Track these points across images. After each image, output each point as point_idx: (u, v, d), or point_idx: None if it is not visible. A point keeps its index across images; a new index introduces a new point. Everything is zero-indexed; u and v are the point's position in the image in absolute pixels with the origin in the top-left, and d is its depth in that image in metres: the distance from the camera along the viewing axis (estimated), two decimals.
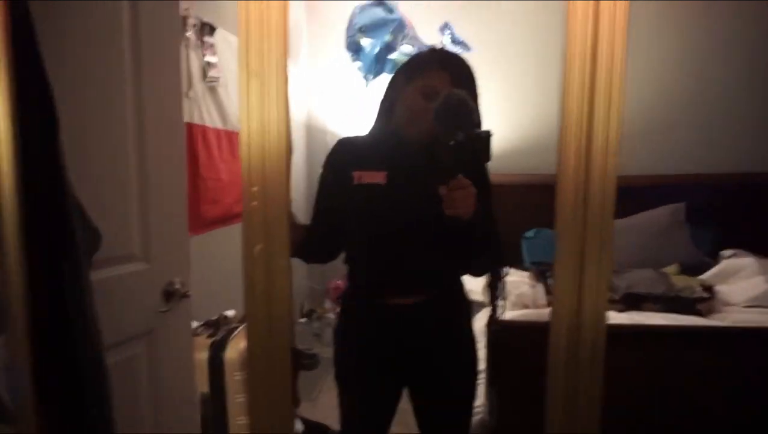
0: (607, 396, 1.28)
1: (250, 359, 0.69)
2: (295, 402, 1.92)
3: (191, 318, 1.19)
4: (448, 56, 1.07)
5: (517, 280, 2.07)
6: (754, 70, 2.52)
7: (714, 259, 2.11)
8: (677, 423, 1.31)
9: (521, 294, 2.03)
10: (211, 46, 1.67)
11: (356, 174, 1.05)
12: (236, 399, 1.31)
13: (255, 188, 0.63)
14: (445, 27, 2.41)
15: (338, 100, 2.83)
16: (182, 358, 1.10)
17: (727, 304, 1.73)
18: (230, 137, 1.77)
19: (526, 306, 1.96)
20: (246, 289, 0.65)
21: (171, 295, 1.01)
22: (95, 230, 0.83)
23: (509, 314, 1.93)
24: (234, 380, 1.30)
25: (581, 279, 0.59)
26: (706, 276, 1.92)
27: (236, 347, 1.32)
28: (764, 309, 1.66)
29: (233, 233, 1.56)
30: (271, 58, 0.60)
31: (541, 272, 2.05)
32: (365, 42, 2.58)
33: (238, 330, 1.37)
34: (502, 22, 2.55)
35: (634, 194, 2.46)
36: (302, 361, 2.13)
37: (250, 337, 0.68)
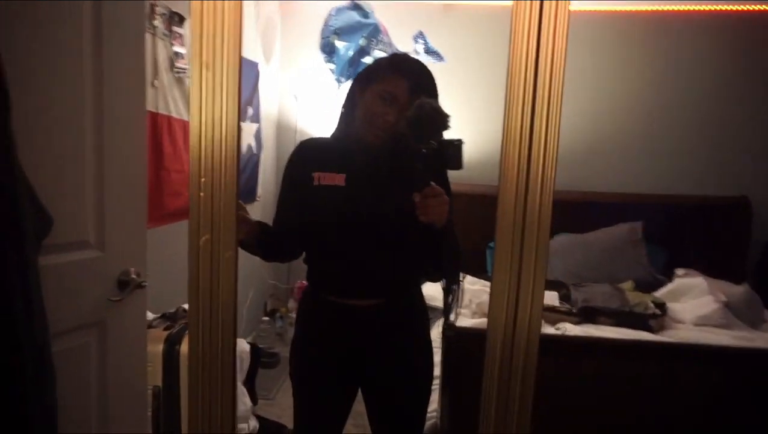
0: (559, 403, 1.32)
1: (190, 352, 0.68)
2: (253, 400, 1.90)
3: (147, 310, 1.16)
4: (408, 62, 1.08)
5: (479, 289, 2.10)
6: (713, 97, 2.62)
7: (668, 277, 2.19)
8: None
9: (481, 303, 2.07)
10: (180, 36, 1.65)
11: (316, 175, 1.06)
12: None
13: (203, 179, 0.62)
14: (419, 36, 2.43)
15: (310, 101, 2.82)
16: (135, 349, 1.08)
17: (678, 321, 1.79)
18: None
19: (485, 314, 1.99)
20: (190, 280, 0.64)
21: (125, 284, 0.99)
22: (46, 214, 0.80)
23: (468, 321, 1.97)
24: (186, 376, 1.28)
25: (518, 289, 0.60)
26: (659, 293, 1.98)
27: None
28: (712, 328, 1.73)
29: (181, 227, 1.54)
30: (224, 51, 0.59)
31: None
32: (339, 44, 2.58)
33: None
34: (477, 31, 2.59)
35: (596, 211, 2.54)
36: (262, 359, 2.12)
37: (191, 329, 0.67)
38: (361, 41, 2.55)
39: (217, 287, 0.64)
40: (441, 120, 0.93)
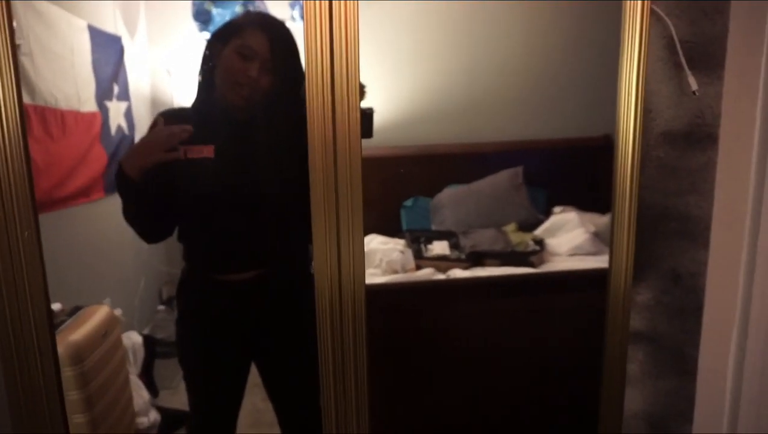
0: (452, 344, 1.41)
1: (0, 347, 0.64)
2: (152, 392, 1.84)
3: None
4: (264, 17, 1.06)
5: (389, 248, 2.16)
6: (579, 44, 2.81)
7: (547, 216, 2.36)
8: (509, 359, 1.47)
9: (391, 261, 2.13)
10: None
11: (182, 149, 1.02)
12: (70, 395, 1.21)
13: None
14: (294, 3, 2.37)
15: (185, 74, 2.67)
16: None
17: (555, 254, 1.95)
18: (43, 114, 1.59)
19: (395, 271, 2.06)
20: None
21: None
22: None
23: (377, 279, 2.03)
24: (65, 376, 1.21)
25: (338, 242, 0.63)
26: (538, 231, 2.14)
27: (64, 341, 1.21)
28: (583, 256, 1.90)
29: (57, 220, 1.43)
30: None
31: (414, 238, 2.17)
32: (215, 11, 2.45)
33: (66, 322, 1.26)
34: None
35: (480, 161, 2.68)
36: (158, 349, 2.04)
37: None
38: (238, 8, 2.44)
39: (20, 271, 0.60)
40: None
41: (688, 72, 1.32)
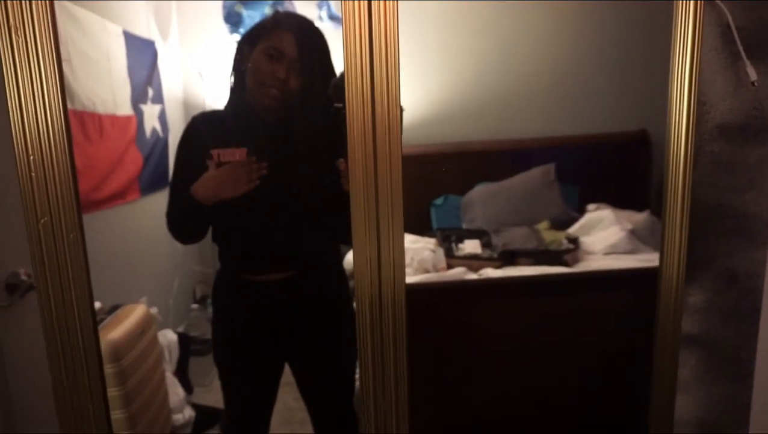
0: (485, 344, 1.38)
1: (47, 344, 0.65)
2: (187, 389, 1.87)
3: None
4: (291, 17, 1.07)
5: (420, 246, 2.15)
6: (610, 41, 2.74)
7: (581, 213, 2.31)
8: (544, 360, 1.44)
9: (422, 260, 2.12)
10: None
11: (215, 153, 1.03)
12: (109, 392, 1.24)
13: (32, 157, 0.59)
14: (323, 3, 2.38)
15: (217, 77, 2.71)
16: (33, 353, 1.03)
17: (589, 253, 1.91)
18: (81, 118, 1.63)
19: (426, 271, 2.05)
20: (34, 267, 0.61)
21: (15, 288, 0.93)
22: None
23: (410, 279, 2.02)
24: (105, 373, 1.23)
25: (378, 243, 0.62)
26: (572, 229, 2.10)
27: (103, 339, 1.24)
28: (619, 255, 1.85)
29: (95, 222, 1.46)
30: (34, 13, 0.55)
31: (445, 237, 2.16)
32: (245, 13, 2.49)
33: (105, 321, 1.29)
34: None
35: (511, 158, 2.63)
36: (193, 347, 2.08)
37: (44, 319, 0.64)
38: (267, 9, 2.46)
39: (66, 272, 0.61)
40: None
41: (746, 61, 1.25)
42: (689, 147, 1.05)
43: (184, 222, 1.03)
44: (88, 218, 1.76)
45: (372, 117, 0.58)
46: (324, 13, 2.47)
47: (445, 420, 1.34)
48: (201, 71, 2.79)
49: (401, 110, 0.90)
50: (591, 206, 2.29)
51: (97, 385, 0.67)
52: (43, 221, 0.59)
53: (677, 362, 1.12)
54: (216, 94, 2.74)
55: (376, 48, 0.57)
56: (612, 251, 1.86)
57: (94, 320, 0.62)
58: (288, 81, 0.97)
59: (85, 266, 0.60)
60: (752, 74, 1.22)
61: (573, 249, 1.86)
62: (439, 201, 2.43)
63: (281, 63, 0.98)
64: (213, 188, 0.81)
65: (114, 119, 1.81)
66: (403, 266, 0.60)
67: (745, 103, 1.31)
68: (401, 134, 0.91)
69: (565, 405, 1.43)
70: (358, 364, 0.65)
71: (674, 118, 1.05)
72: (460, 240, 1.99)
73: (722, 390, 1.42)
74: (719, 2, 1.23)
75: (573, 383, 1.43)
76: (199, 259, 2.81)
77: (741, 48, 1.23)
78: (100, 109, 1.74)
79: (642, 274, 1.51)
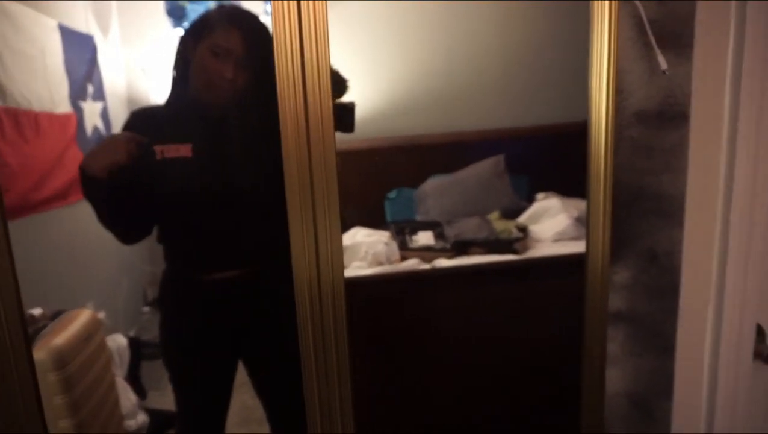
0: (439, 333, 1.41)
1: None
2: (139, 394, 1.83)
3: None
4: (237, 12, 1.05)
5: (374, 240, 2.15)
6: (559, 29, 2.81)
7: (530, 203, 2.37)
8: (494, 346, 1.48)
9: (376, 253, 2.13)
10: None
11: (158, 149, 1.01)
12: (54, 400, 1.20)
13: None
14: None
15: (160, 72, 2.63)
16: None
17: (539, 240, 1.96)
18: (15, 116, 1.56)
19: (380, 263, 2.06)
20: None
21: None
22: None
23: (362, 271, 2.03)
24: (48, 381, 1.19)
25: (315, 237, 0.63)
26: (522, 218, 2.15)
27: (46, 346, 1.20)
28: (566, 241, 1.92)
29: (35, 224, 1.40)
30: None
31: (399, 230, 2.17)
32: (189, 7, 2.42)
33: (47, 328, 1.25)
34: None
35: (462, 150, 2.68)
36: (145, 351, 2.02)
37: None
38: (212, 3, 2.41)
39: None
40: (339, 84, 0.91)
41: (657, 51, 1.33)
42: (609, 133, 1.10)
43: (99, 210, 1.00)
44: (28, 221, 1.69)
45: (305, 109, 0.58)
46: (270, 7, 2.44)
47: (393, 412, 1.37)
48: (144, 67, 2.70)
49: (352, 105, 0.90)
50: (539, 195, 2.35)
51: (30, 399, 0.64)
52: None
53: (605, 337, 1.18)
54: (160, 90, 2.66)
55: (306, 38, 0.57)
56: (560, 238, 1.92)
57: (24, 326, 0.59)
58: (235, 80, 0.96)
59: (11, 269, 0.57)
60: (663, 63, 1.31)
61: (522, 238, 1.91)
62: (392, 194, 2.45)
63: (227, 61, 0.96)
64: (97, 156, 0.78)
65: (51, 116, 1.74)
66: (341, 259, 0.61)
67: (660, 91, 1.39)
68: (353, 130, 0.91)
69: (511, 387, 1.48)
70: (301, 361, 0.65)
71: (594, 106, 1.11)
72: (414, 232, 2.01)
73: (648, 363, 1.50)
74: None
75: (519, 365, 1.48)
76: (149, 260, 2.72)
77: (653, 39, 1.31)
78: (36, 106, 1.67)
79: (583, 258, 1.57)
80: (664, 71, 1.32)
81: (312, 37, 0.54)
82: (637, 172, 1.45)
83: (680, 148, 1.41)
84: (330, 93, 0.58)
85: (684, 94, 1.39)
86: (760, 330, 1.42)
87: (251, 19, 1.02)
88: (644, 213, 1.46)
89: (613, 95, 1.13)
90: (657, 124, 1.42)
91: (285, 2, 0.52)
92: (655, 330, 1.49)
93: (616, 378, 1.51)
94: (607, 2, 1.04)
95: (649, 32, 1.32)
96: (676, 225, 1.45)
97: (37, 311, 1.36)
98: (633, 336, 1.50)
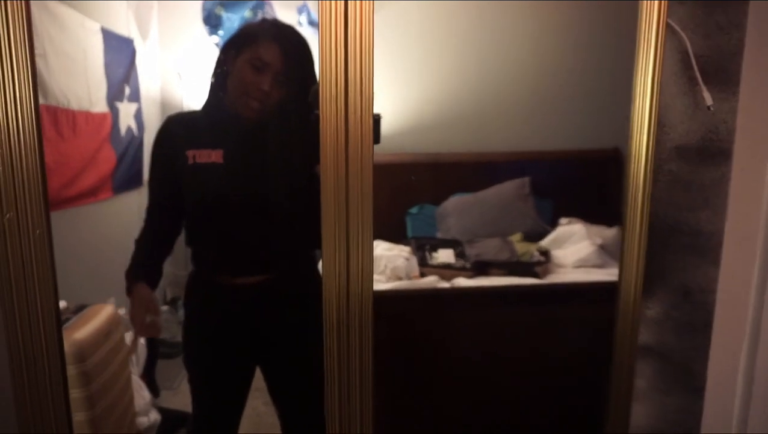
0: (456, 353, 1.40)
1: (8, 342, 0.64)
2: (153, 392, 1.84)
3: None
4: (279, 27, 1.07)
5: (394, 254, 2.16)
6: (591, 55, 2.81)
7: (553, 227, 2.35)
8: (512, 369, 1.47)
9: (395, 267, 2.14)
10: None
11: (191, 153, 1.03)
12: (72, 393, 1.22)
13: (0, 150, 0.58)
14: (303, 8, 2.39)
15: (195, 78, 2.69)
16: None
17: (560, 266, 1.94)
18: (54, 114, 1.61)
19: (399, 278, 2.06)
20: None
21: None
22: None
23: (382, 286, 2.03)
24: (68, 374, 1.21)
25: (347, 251, 0.63)
26: (544, 242, 2.13)
27: (68, 339, 1.22)
28: (589, 268, 1.89)
29: (65, 219, 1.44)
30: (8, 7, 0.55)
31: (420, 246, 2.17)
32: (224, 16, 2.48)
33: (71, 321, 1.27)
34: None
35: (487, 170, 2.68)
36: (162, 349, 2.04)
37: (6, 316, 0.63)
38: (247, 13, 2.46)
39: (30, 269, 0.60)
40: None
41: (702, 87, 1.31)
42: (648, 166, 1.09)
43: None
44: (57, 216, 1.73)
45: (345, 124, 0.59)
46: (304, 19, 2.48)
47: (410, 429, 1.35)
48: (180, 72, 2.76)
49: (378, 117, 0.91)
50: (563, 220, 2.33)
51: (58, 386, 0.65)
52: (8, 215, 0.58)
53: (634, 372, 1.15)
54: (194, 96, 2.72)
55: (351, 54, 0.58)
56: (582, 264, 1.90)
57: (58, 320, 0.61)
58: (271, 93, 0.98)
59: (51, 264, 0.59)
60: (708, 99, 1.29)
61: (544, 262, 1.89)
62: (414, 210, 2.46)
63: (266, 75, 0.98)
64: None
65: (88, 115, 1.79)
66: (371, 274, 0.61)
67: (702, 126, 1.38)
68: (379, 141, 0.92)
69: (528, 413, 1.45)
70: (324, 370, 0.66)
71: (635, 138, 1.10)
72: (434, 249, 2.01)
73: (676, 401, 1.46)
74: (680, 30, 1.29)
75: (537, 392, 1.46)
76: (170, 260, 2.76)
77: (698, 74, 1.30)
78: (75, 105, 1.72)
79: (608, 287, 1.55)
80: (709, 107, 1.30)
81: (357, 50, 0.55)
82: (675, 206, 1.42)
83: (720, 185, 1.39)
84: (372, 107, 0.59)
85: (728, 131, 1.37)
86: None
87: (291, 34, 1.04)
88: (680, 248, 1.44)
89: (654, 127, 1.12)
90: (697, 159, 1.40)
91: (333, 13, 0.53)
92: (685, 367, 1.45)
93: (641, 415, 1.47)
94: (654, 33, 1.04)
95: (695, 66, 1.31)
96: (712, 263, 1.42)
97: (62, 304, 1.39)
98: (661, 372, 1.47)
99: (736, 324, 1.37)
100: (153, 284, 1.04)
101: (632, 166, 1.11)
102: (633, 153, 1.11)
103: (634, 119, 1.12)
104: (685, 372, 1.45)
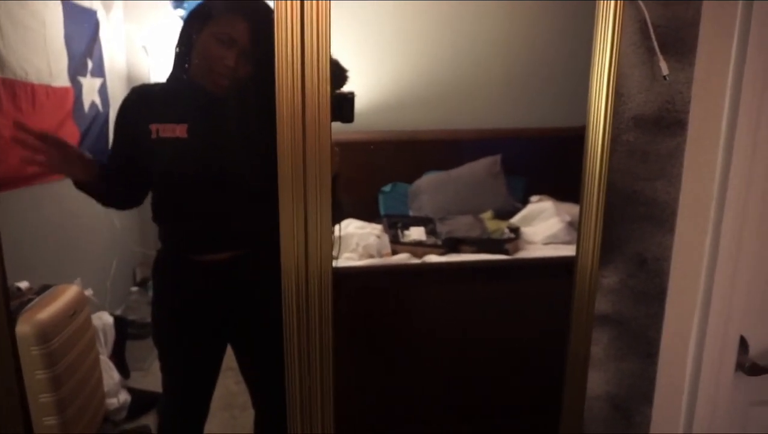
0: (426, 327, 1.42)
1: None
2: (123, 373, 1.82)
3: None
4: (247, 1, 1.04)
5: (366, 232, 2.16)
6: (563, 33, 2.81)
7: (524, 204, 2.38)
8: (480, 343, 1.49)
9: (367, 245, 2.14)
10: None
11: (154, 127, 1.00)
12: (36, 375, 1.20)
13: None
14: None
15: (161, 52, 2.62)
16: None
17: (530, 242, 1.97)
18: (12, 87, 1.55)
19: (371, 256, 2.07)
20: None
21: None
22: None
23: (353, 263, 2.03)
24: (31, 355, 1.19)
25: (305, 227, 0.63)
26: (515, 220, 2.16)
27: (31, 319, 1.20)
28: (558, 245, 1.93)
29: (27, 197, 1.40)
30: None
31: (392, 224, 2.17)
32: None
33: (33, 302, 1.24)
34: None
35: (460, 148, 2.69)
36: (131, 331, 2.02)
37: None
38: None
39: None
40: (339, 75, 0.90)
41: (660, 57, 1.33)
42: (606, 136, 1.11)
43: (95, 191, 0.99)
44: (17, 194, 1.68)
45: (302, 96, 0.59)
46: None
47: (375, 404, 1.37)
48: (146, 45, 2.67)
49: (352, 95, 0.90)
50: (534, 198, 2.36)
51: (9, 371, 0.64)
52: None
53: (590, 339, 1.19)
54: (161, 71, 2.64)
55: (307, 28, 0.57)
56: (551, 241, 1.93)
57: (6, 300, 0.59)
58: (237, 69, 0.95)
59: None
60: (664, 69, 1.31)
61: (514, 238, 1.92)
62: (387, 188, 2.45)
63: (231, 50, 0.95)
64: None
65: (49, 89, 1.72)
66: (329, 249, 0.61)
67: (659, 97, 1.40)
68: (352, 120, 0.91)
69: (497, 385, 1.49)
70: (284, 347, 0.66)
71: (593, 108, 1.11)
72: (406, 227, 2.01)
73: (630, 366, 1.51)
74: (639, 0, 1.30)
75: (506, 364, 1.49)
76: (140, 240, 2.71)
77: (656, 43, 1.31)
78: (34, 78, 1.65)
79: (572, 261, 1.59)
80: (665, 77, 1.32)
81: (313, 26, 0.54)
82: (631, 176, 1.45)
83: (676, 155, 1.42)
84: (329, 82, 0.58)
85: (683, 101, 1.40)
86: (743, 342, 1.44)
87: (260, 9, 1.01)
88: (636, 218, 1.47)
89: (612, 98, 1.14)
90: (654, 130, 1.43)
91: None
92: (640, 334, 1.50)
93: (598, 381, 1.52)
94: (612, 3, 1.04)
95: (653, 36, 1.32)
96: (667, 232, 1.46)
97: (23, 285, 1.35)
98: (617, 339, 1.51)
99: (688, 292, 1.42)
100: (93, 165, 0.99)
101: (590, 136, 1.13)
102: (591, 123, 1.12)
103: (593, 89, 1.13)
104: (640, 338, 1.50)
